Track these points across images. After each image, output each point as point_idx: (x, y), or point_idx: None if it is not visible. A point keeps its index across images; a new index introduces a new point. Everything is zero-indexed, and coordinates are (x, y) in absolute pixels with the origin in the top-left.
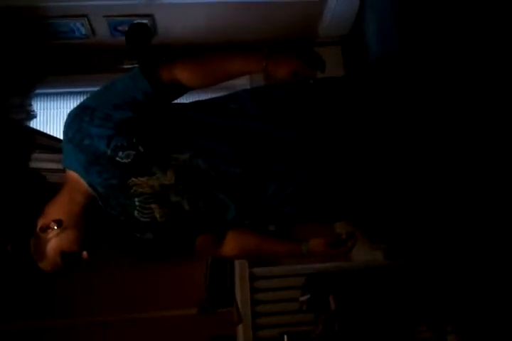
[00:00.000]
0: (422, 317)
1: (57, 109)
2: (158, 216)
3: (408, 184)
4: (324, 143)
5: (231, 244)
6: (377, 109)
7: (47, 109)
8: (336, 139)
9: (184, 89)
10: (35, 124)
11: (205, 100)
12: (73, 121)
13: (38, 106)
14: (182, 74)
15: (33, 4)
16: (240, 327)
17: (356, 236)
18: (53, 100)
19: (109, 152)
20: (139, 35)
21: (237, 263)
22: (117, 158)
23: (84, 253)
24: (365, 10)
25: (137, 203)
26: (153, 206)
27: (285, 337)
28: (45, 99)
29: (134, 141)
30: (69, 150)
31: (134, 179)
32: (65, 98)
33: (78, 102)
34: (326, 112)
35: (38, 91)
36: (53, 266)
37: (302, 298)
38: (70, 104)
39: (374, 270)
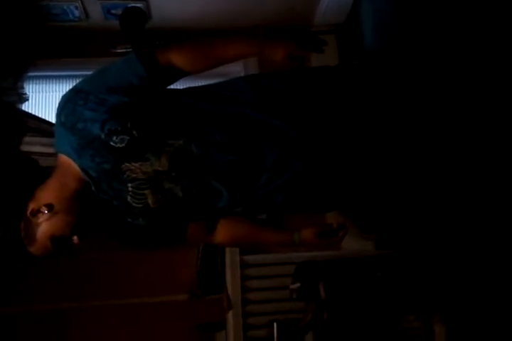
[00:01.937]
0: (410, 307)
1: (49, 92)
2: (150, 202)
3: (400, 175)
4: (317, 134)
5: (222, 232)
6: (371, 99)
7: (39, 92)
8: (329, 130)
9: (180, 74)
10: (27, 107)
11: (199, 86)
12: (66, 104)
13: (30, 89)
14: (178, 57)
15: None
16: (230, 314)
17: (347, 227)
18: (45, 83)
19: (103, 136)
20: (133, 19)
21: (228, 250)
22: (111, 143)
23: (75, 237)
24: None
25: (130, 188)
26: (146, 192)
27: (275, 324)
28: (38, 81)
29: (129, 125)
30: (61, 133)
31: (127, 164)
32: (58, 81)
33: (71, 86)
34: (319, 102)
35: (30, 74)
36: (43, 250)
37: (292, 286)
38: (63, 88)
39: (364, 259)
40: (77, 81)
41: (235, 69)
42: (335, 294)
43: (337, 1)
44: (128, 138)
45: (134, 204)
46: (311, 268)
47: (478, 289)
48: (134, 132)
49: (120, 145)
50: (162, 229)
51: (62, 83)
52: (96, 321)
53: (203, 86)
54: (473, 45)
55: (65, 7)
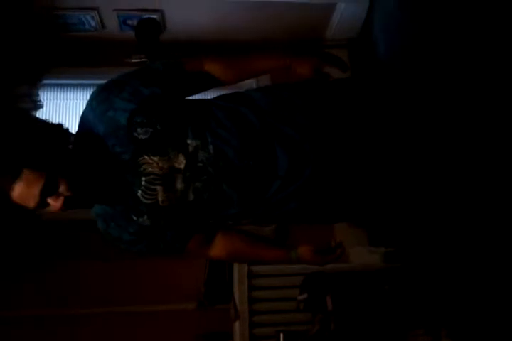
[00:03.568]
0: (418, 321)
1: (63, 99)
2: (160, 199)
3: (410, 187)
4: (330, 145)
5: (219, 246)
6: (382, 111)
7: (54, 99)
8: (341, 140)
9: (211, 83)
10: (42, 114)
11: (218, 96)
12: (101, 92)
13: (45, 96)
14: (215, 66)
15: None
16: (237, 324)
17: (344, 246)
18: (60, 91)
19: (128, 126)
20: (148, 30)
21: None
22: (135, 133)
23: (63, 187)
24: (374, 14)
25: (143, 182)
26: (158, 188)
27: (281, 335)
28: (53, 89)
29: (154, 119)
30: (89, 118)
31: (146, 157)
32: (72, 89)
33: (85, 94)
34: (332, 114)
35: (45, 81)
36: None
37: (300, 297)
38: (77, 96)
39: (372, 272)
40: (92, 89)
41: (248, 81)
42: (342, 306)
43: (349, 15)
44: (151, 130)
45: (143, 200)
46: (319, 280)
47: (486, 303)
48: (158, 126)
49: (143, 137)
50: (164, 234)
51: (77, 91)
52: (103, 328)
53: (220, 95)
54: (484, 61)
55: (81, 17)
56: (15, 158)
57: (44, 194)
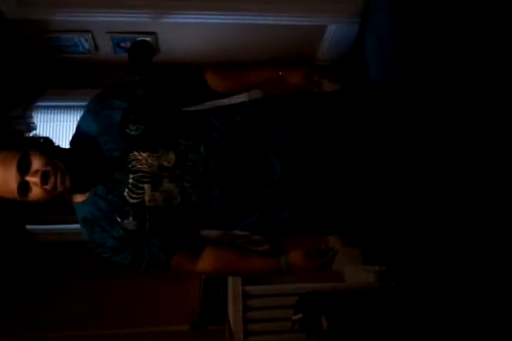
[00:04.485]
0: (413, 339)
1: (57, 121)
2: (147, 198)
3: (405, 199)
4: (322, 150)
5: (207, 259)
6: (375, 117)
7: (47, 121)
8: (334, 146)
9: (210, 96)
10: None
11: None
12: (101, 93)
13: (39, 118)
14: (215, 78)
15: (39, 18)
16: None
17: (335, 250)
18: (54, 113)
19: (120, 123)
20: (142, 52)
21: (230, 280)
22: (127, 130)
23: (37, 162)
24: (365, 35)
25: (131, 180)
26: (145, 186)
27: None
28: (46, 111)
29: (147, 118)
30: (84, 120)
31: (135, 153)
32: (66, 111)
33: (78, 116)
34: (324, 121)
35: (39, 103)
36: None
37: (295, 317)
38: (70, 118)
39: (366, 291)
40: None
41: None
42: (337, 325)
43: (340, 37)
44: (143, 127)
45: (130, 200)
46: (313, 299)
47: (482, 321)
48: (151, 124)
49: (134, 133)
50: (150, 242)
51: (71, 113)
52: None
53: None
54: (479, 77)
55: (75, 39)
56: None
57: (21, 169)
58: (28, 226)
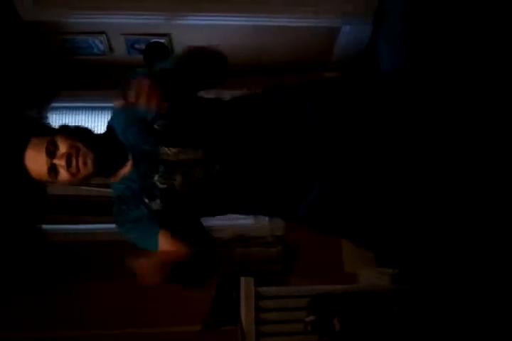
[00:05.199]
0: None
1: (72, 122)
2: (177, 184)
3: (420, 205)
4: (344, 150)
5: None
6: (392, 113)
7: (62, 122)
8: (351, 143)
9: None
10: None
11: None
12: None
13: (54, 119)
14: None
15: (55, 19)
16: None
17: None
18: (69, 114)
19: (149, 118)
20: (156, 54)
21: (242, 281)
22: (155, 125)
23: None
24: (378, 35)
25: (161, 169)
26: (175, 176)
27: None
28: (61, 112)
29: (175, 114)
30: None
31: (165, 148)
32: (81, 112)
33: (93, 117)
34: (346, 117)
35: (54, 104)
36: None
37: (307, 319)
38: (85, 119)
39: (380, 294)
40: (100, 112)
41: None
42: (350, 327)
43: (354, 38)
44: (170, 124)
45: (159, 185)
46: (326, 301)
47: (496, 322)
48: (178, 120)
49: (162, 130)
50: (173, 220)
51: (85, 114)
52: None
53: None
54: (489, 73)
55: (90, 41)
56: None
57: (49, 153)
58: (43, 226)
